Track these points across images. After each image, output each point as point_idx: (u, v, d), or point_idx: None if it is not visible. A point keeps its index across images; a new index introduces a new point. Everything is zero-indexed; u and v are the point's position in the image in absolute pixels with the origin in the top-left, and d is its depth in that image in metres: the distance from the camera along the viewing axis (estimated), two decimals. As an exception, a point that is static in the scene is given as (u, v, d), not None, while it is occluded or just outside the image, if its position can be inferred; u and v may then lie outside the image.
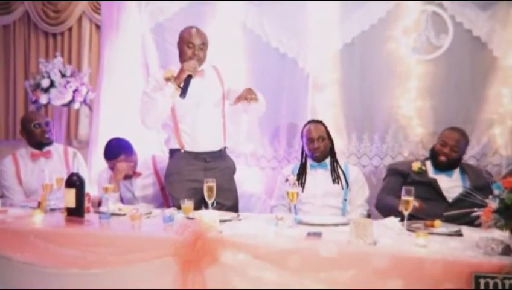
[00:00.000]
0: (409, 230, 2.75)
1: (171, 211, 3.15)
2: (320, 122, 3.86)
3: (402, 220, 2.79)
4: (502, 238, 2.37)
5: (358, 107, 4.27)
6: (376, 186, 4.11)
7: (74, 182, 2.98)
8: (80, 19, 5.15)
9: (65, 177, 3.09)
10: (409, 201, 2.72)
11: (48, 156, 4.04)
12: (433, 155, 3.66)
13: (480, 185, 3.25)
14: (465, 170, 3.65)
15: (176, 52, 3.66)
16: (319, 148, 3.74)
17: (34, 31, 5.28)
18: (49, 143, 4.06)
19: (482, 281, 2.18)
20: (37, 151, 4.02)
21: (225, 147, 3.74)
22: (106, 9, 4.72)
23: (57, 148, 4.12)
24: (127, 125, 4.35)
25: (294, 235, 2.69)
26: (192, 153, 3.58)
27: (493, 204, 2.34)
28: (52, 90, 4.52)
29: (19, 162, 4.02)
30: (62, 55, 4.94)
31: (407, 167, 3.69)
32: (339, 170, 3.77)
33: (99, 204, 3.50)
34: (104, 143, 3.99)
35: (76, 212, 2.97)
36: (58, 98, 4.54)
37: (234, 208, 3.67)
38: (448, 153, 3.58)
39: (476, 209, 2.44)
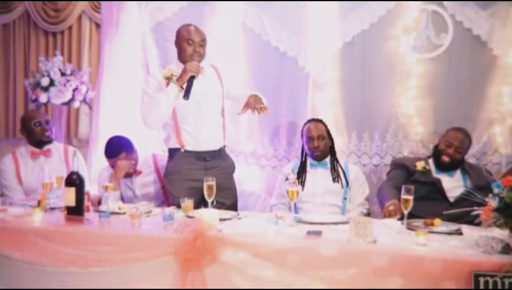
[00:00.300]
0: (408, 229, 2.75)
1: (171, 209, 3.15)
2: (320, 121, 3.86)
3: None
4: (502, 237, 2.37)
5: (358, 106, 4.27)
6: (376, 185, 4.11)
7: (74, 180, 2.98)
8: (79, 18, 5.16)
9: (65, 175, 3.09)
10: (409, 200, 2.73)
11: (48, 154, 4.03)
12: (436, 154, 3.66)
13: (481, 184, 3.25)
14: (467, 169, 3.65)
15: (176, 50, 3.66)
16: (319, 147, 3.73)
17: (34, 30, 5.29)
18: (49, 141, 4.05)
19: (481, 280, 2.18)
20: (36, 150, 4.02)
21: (224, 146, 3.74)
22: (106, 8, 4.72)
23: (56, 147, 4.12)
24: (127, 124, 4.35)
25: (294, 233, 2.69)
26: (192, 152, 3.57)
27: (493, 203, 2.33)
28: (52, 89, 4.53)
29: (19, 160, 4.01)
30: (62, 54, 4.95)
31: (412, 163, 3.69)
32: (339, 169, 3.77)
33: (99, 203, 3.50)
34: (104, 142, 3.98)
35: (76, 211, 2.97)
36: (58, 96, 4.55)
37: (234, 206, 3.67)
38: (452, 154, 3.58)
39: (476, 208, 2.44)
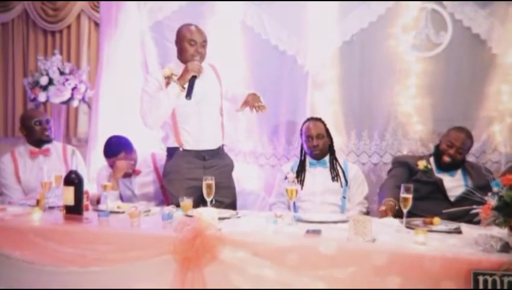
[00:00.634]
0: (408, 227, 2.75)
1: (170, 208, 3.15)
2: (320, 119, 3.86)
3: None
4: (501, 236, 2.37)
5: (358, 105, 4.26)
6: (375, 183, 4.12)
7: (73, 180, 2.98)
8: (78, 17, 5.16)
9: (64, 175, 3.09)
10: (408, 198, 2.73)
11: (47, 153, 4.03)
12: (437, 154, 3.66)
13: (482, 184, 3.24)
14: (467, 169, 3.64)
15: (175, 49, 3.65)
16: (318, 146, 3.73)
17: (32, 29, 5.29)
18: (49, 141, 4.05)
19: (480, 279, 2.18)
20: (35, 149, 4.02)
21: (223, 145, 3.74)
22: (105, 7, 4.72)
23: (55, 146, 4.11)
24: (126, 123, 4.35)
25: (293, 232, 2.68)
26: (191, 151, 3.57)
27: (492, 201, 2.33)
28: (51, 88, 4.53)
29: (18, 160, 4.01)
30: (61, 53, 4.95)
31: (414, 162, 3.69)
32: (338, 168, 3.77)
33: (98, 202, 3.49)
34: (103, 141, 3.98)
35: (75, 210, 2.96)
36: (56, 95, 4.54)
37: (233, 205, 3.67)
38: (454, 155, 3.58)
39: (475, 206, 2.43)
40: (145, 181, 3.95)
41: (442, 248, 2.40)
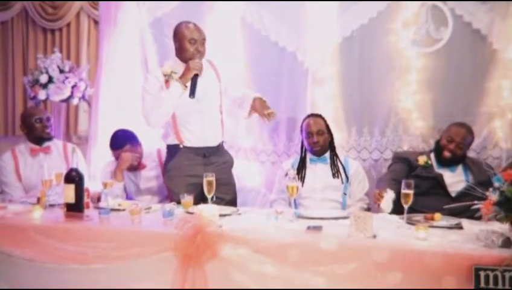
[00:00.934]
0: (409, 223, 2.74)
1: (170, 205, 3.15)
2: (320, 116, 3.86)
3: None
4: (502, 231, 2.37)
5: (358, 101, 4.26)
6: (376, 180, 4.10)
7: (73, 177, 2.97)
8: (78, 15, 5.15)
9: (64, 172, 3.08)
10: (409, 194, 2.72)
11: (47, 151, 4.04)
12: (438, 149, 3.65)
13: (483, 179, 3.23)
14: (468, 164, 3.64)
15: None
16: (319, 142, 3.73)
17: (32, 27, 5.29)
18: (49, 138, 4.06)
19: (482, 274, 2.17)
20: (36, 147, 4.02)
21: (223, 142, 3.74)
22: (104, 5, 4.72)
23: (56, 144, 4.12)
24: (126, 121, 4.33)
25: (294, 229, 2.68)
26: (191, 149, 3.57)
27: (493, 197, 2.33)
28: (51, 86, 4.52)
29: (18, 157, 4.02)
30: (60, 51, 4.94)
31: (414, 157, 3.68)
32: (339, 164, 3.77)
33: (99, 199, 3.49)
34: (103, 139, 4.01)
35: (75, 208, 2.96)
36: (56, 93, 4.54)
37: (233, 202, 3.68)
38: (454, 150, 3.57)
39: (476, 202, 2.43)
40: (150, 175, 3.97)
41: (444, 244, 2.39)
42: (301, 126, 3.84)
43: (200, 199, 3.19)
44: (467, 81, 4.07)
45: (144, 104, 3.49)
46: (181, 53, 3.55)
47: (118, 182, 3.79)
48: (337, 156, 3.80)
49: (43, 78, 4.54)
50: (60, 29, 5.22)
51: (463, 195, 3.34)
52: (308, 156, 3.81)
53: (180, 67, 3.50)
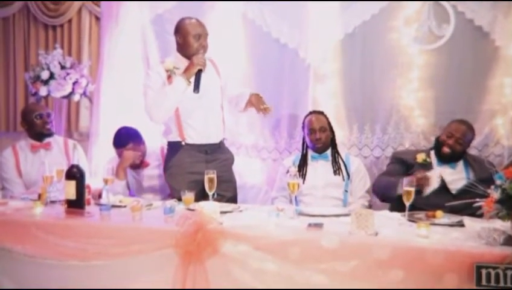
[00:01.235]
0: (410, 221, 2.74)
1: (171, 202, 3.14)
2: (322, 113, 3.85)
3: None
4: (504, 229, 2.36)
5: (360, 98, 4.25)
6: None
7: (74, 174, 2.97)
8: (79, 11, 5.14)
9: (65, 169, 3.08)
10: (411, 192, 2.72)
11: (48, 147, 4.04)
12: (437, 146, 3.64)
13: (484, 177, 3.22)
14: (469, 161, 3.63)
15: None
16: (321, 139, 3.73)
17: (33, 24, 5.28)
18: (50, 134, 4.06)
19: (483, 272, 2.17)
20: (37, 143, 4.02)
21: (223, 139, 3.75)
22: (106, 1, 4.70)
23: (56, 140, 4.12)
24: (127, 117, 4.33)
25: (295, 226, 2.68)
26: (193, 146, 3.57)
27: (495, 194, 2.32)
28: (52, 82, 4.52)
29: (19, 153, 4.02)
30: (62, 47, 4.94)
31: (412, 157, 3.67)
32: (340, 161, 3.76)
33: (100, 196, 3.49)
34: (104, 135, 4.00)
35: (76, 204, 2.96)
36: (57, 90, 4.54)
37: (234, 199, 3.68)
38: (453, 145, 3.56)
39: (478, 199, 2.42)
40: (153, 174, 3.97)
41: (445, 241, 2.39)
42: (303, 123, 3.84)
43: (201, 196, 3.20)
44: (469, 79, 4.06)
45: (146, 100, 3.48)
46: (185, 49, 3.54)
47: (120, 180, 3.78)
48: (338, 153, 3.79)
49: (45, 75, 4.53)
50: (62, 26, 5.21)
51: (464, 192, 3.33)
52: (310, 153, 3.81)
53: (181, 63, 3.50)
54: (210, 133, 3.61)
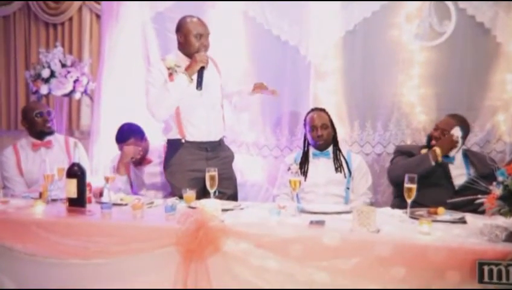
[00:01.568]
0: (412, 218, 2.73)
1: (173, 200, 3.15)
2: (323, 110, 3.85)
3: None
4: (506, 225, 2.36)
5: (361, 95, 4.24)
6: (379, 174, 4.11)
7: (75, 172, 2.97)
8: (80, 9, 5.14)
9: (66, 167, 3.08)
10: (412, 188, 2.71)
11: (49, 146, 4.04)
12: (428, 141, 3.66)
13: (485, 172, 3.22)
14: (469, 157, 3.62)
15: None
16: (322, 136, 3.72)
17: (34, 22, 5.28)
18: (51, 133, 4.06)
19: (486, 268, 2.17)
20: (37, 141, 4.02)
21: (223, 137, 3.75)
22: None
23: (57, 139, 4.12)
24: (128, 115, 4.32)
25: (296, 223, 2.67)
26: (193, 143, 3.56)
27: (497, 191, 2.32)
28: (53, 81, 4.51)
29: (20, 152, 4.01)
30: (63, 46, 4.93)
31: (417, 151, 3.67)
32: (342, 159, 3.76)
33: (101, 194, 3.49)
34: (105, 133, 3.99)
35: (77, 203, 2.95)
36: (58, 88, 4.53)
37: (234, 196, 3.69)
38: (438, 137, 3.56)
39: (480, 196, 2.42)
40: (155, 171, 3.97)
41: (447, 238, 2.38)
42: (305, 120, 3.84)
43: (202, 193, 3.19)
44: (471, 75, 4.05)
45: (148, 97, 3.48)
46: (186, 47, 3.53)
47: (120, 175, 3.79)
48: (340, 151, 3.79)
49: (45, 73, 4.53)
50: (62, 24, 5.20)
51: (465, 188, 3.32)
52: (311, 150, 3.81)
53: (182, 61, 3.50)
54: (211, 130, 3.60)
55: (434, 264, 2.26)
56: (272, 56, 4.37)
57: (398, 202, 3.38)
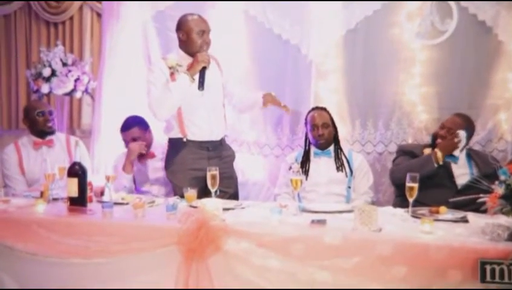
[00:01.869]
0: (413, 216, 2.73)
1: (174, 199, 3.14)
2: (325, 109, 3.85)
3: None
4: (508, 224, 2.35)
5: (362, 94, 4.22)
6: (380, 173, 4.10)
7: (76, 171, 2.96)
8: (81, 8, 5.15)
9: (67, 165, 3.08)
10: (414, 187, 2.71)
11: (50, 144, 4.03)
12: (433, 139, 3.65)
13: (488, 172, 3.21)
14: (472, 156, 3.62)
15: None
16: (324, 135, 3.72)
17: (35, 21, 5.28)
18: (52, 132, 4.05)
19: (488, 268, 2.16)
20: (39, 140, 4.02)
21: (225, 136, 3.75)
22: (107, -1, 4.72)
23: (59, 137, 4.12)
24: (129, 114, 4.32)
25: (298, 222, 2.67)
26: (195, 142, 3.56)
27: (499, 190, 2.31)
28: (54, 79, 4.51)
29: (21, 151, 4.01)
30: (63, 44, 4.93)
31: (419, 150, 3.66)
32: (343, 158, 3.75)
33: (102, 193, 3.49)
34: (107, 132, 3.99)
35: (78, 202, 2.95)
36: (59, 87, 4.53)
37: (235, 195, 3.70)
38: (444, 136, 3.55)
39: (482, 195, 2.41)
40: (158, 166, 3.97)
41: (449, 237, 2.38)
42: (306, 119, 3.83)
43: (203, 193, 3.19)
44: (472, 74, 4.04)
45: (150, 97, 3.47)
46: (188, 45, 3.52)
47: (127, 174, 3.82)
48: (341, 150, 3.79)
49: (46, 72, 4.53)
50: (63, 23, 5.21)
51: (468, 188, 3.32)
52: (312, 149, 3.80)
53: (183, 60, 3.49)
54: (212, 130, 3.60)
55: (436, 264, 2.25)
56: (273, 55, 4.37)
57: (400, 201, 3.37)
